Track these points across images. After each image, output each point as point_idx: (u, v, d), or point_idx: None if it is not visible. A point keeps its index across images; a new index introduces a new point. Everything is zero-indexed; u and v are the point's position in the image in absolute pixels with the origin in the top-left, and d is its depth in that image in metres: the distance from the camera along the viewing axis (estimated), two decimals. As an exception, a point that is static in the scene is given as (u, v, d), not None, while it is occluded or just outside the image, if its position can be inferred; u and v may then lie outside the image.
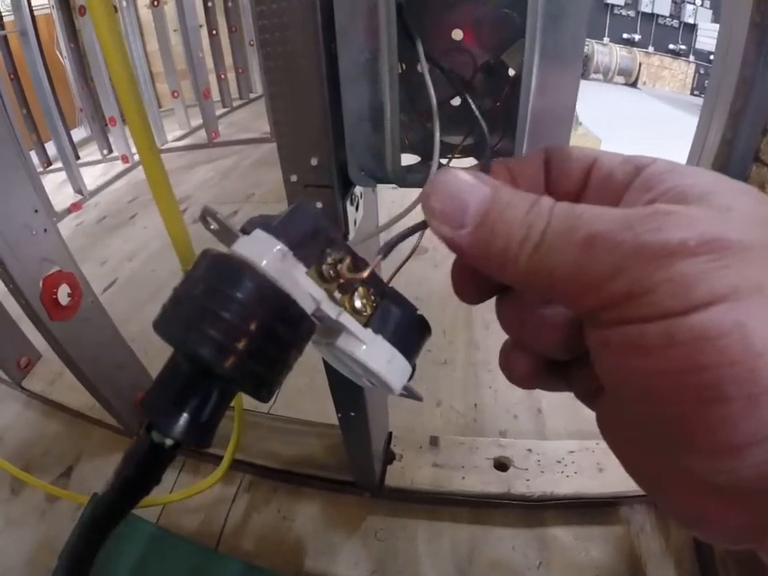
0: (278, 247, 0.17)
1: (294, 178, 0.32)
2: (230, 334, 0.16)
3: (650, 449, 0.16)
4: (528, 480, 0.73)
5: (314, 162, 0.31)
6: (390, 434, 0.81)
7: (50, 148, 2.22)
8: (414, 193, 0.26)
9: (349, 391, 0.53)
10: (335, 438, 0.80)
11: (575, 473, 0.74)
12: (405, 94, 0.28)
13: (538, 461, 0.76)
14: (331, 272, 0.18)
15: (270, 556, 0.73)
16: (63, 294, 0.68)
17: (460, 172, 0.17)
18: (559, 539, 0.73)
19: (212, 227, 0.18)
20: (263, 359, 0.17)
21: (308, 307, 0.18)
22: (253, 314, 0.16)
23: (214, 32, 2.79)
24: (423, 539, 0.74)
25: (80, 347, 0.73)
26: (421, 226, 0.19)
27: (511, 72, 0.27)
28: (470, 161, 0.31)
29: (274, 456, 0.81)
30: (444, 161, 0.30)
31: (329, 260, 0.18)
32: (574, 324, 0.18)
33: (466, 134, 0.30)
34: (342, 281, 0.18)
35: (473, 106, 0.25)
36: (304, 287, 0.17)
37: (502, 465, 0.76)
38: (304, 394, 0.95)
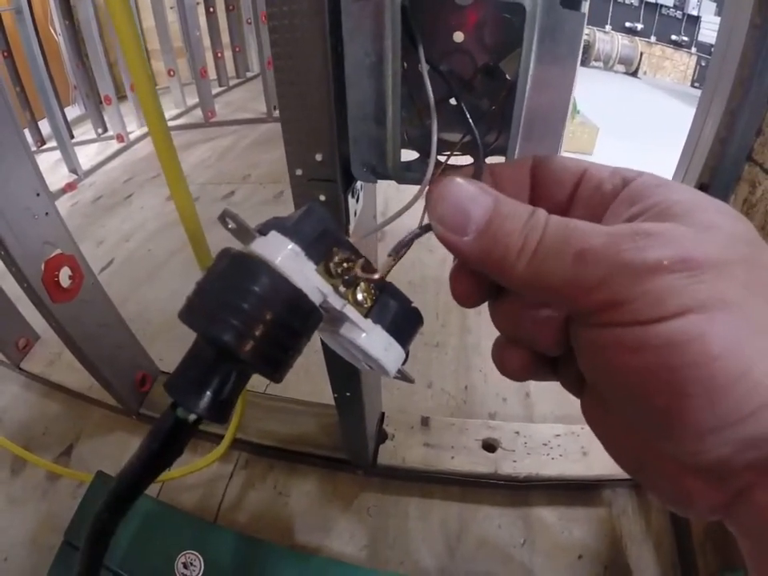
0: (291, 246, 0.19)
1: (299, 172, 0.34)
2: (248, 323, 0.18)
3: (630, 434, 0.18)
4: (515, 461, 0.76)
5: (318, 157, 0.32)
6: (383, 414, 0.83)
7: (44, 126, 2.18)
8: (411, 189, 0.27)
9: (345, 373, 0.55)
10: (330, 417, 0.82)
11: (560, 456, 0.76)
12: (406, 90, 0.29)
13: (525, 443, 0.78)
14: (338, 269, 0.20)
15: (265, 530, 0.76)
16: (64, 276, 0.68)
17: (463, 181, 0.19)
18: (543, 519, 0.76)
19: (230, 227, 0.19)
20: (277, 345, 0.19)
21: (316, 300, 0.20)
22: (268, 306, 0.18)
23: (212, 10, 2.74)
24: (414, 516, 0.77)
25: (80, 328, 0.74)
26: (426, 229, 0.21)
27: (509, 76, 0.29)
28: (468, 158, 0.32)
29: (270, 434, 0.83)
30: (442, 158, 0.32)
31: (336, 258, 0.20)
32: (563, 324, 0.20)
33: (464, 132, 0.32)
34: (346, 276, 0.20)
35: (466, 113, 0.26)
36: (313, 282, 0.20)
37: (490, 446, 0.78)
38: (301, 375, 0.96)
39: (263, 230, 0.20)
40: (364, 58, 0.27)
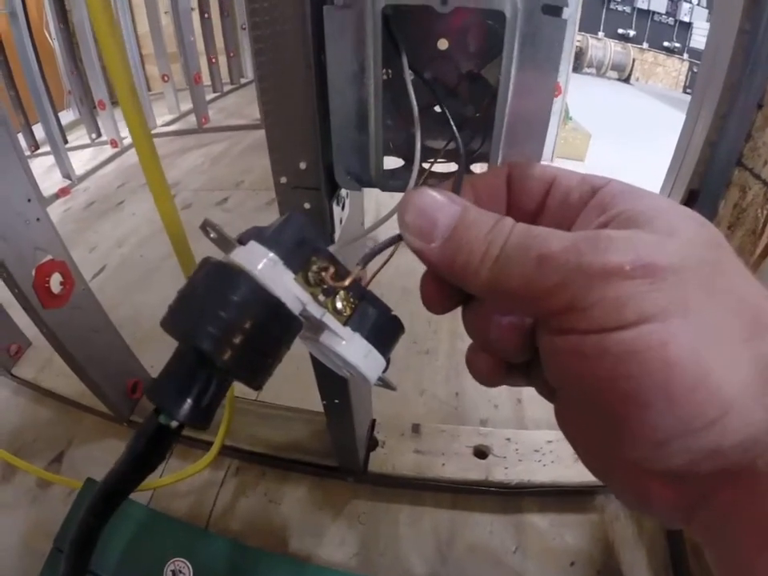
0: (270, 256, 0.19)
1: (283, 180, 0.34)
2: (227, 331, 0.18)
3: (597, 439, 0.18)
4: (506, 468, 0.76)
5: (302, 165, 0.33)
6: (374, 421, 0.83)
7: (37, 131, 2.18)
8: (397, 197, 0.28)
9: (333, 380, 0.55)
10: (321, 424, 0.82)
11: (552, 462, 0.76)
12: (390, 98, 0.30)
13: (517, 449, 0.78)
14: (316, 278, 0.20)
15: (257, 537, 0.75)
16: (55, 282, 0.68)
17: (433, 191, 0.20)
18: (535, 525, 0.76)
19: (212, 236, 0.20)
20: (256, 353, 0.19)
21: (295, 308, 0.20)
22: (247, 314, 0.19)
23: (206, 15, 2.75)
24: (405, 523, 0.77)
25: (71, 335, 0.73)
26: (397, 239, 0.21)
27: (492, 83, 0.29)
28: (452, 165, 0.32)
29: (261, 441, 0.83)
30: (426, 165, 0.32)
31: (314, 267, 0.21)
32: (528, 330, 0.20)
33: (448, 140, 0.32)
34: (325, 286, 0.20)
35: (450, 120, 0.27)
36: (292, 291, 0.20)
37: (481, 452, 0.78)
38: (291, 381, 0.96)
39: (243, 240, 0.20)
40: (346, 66, 0.27)
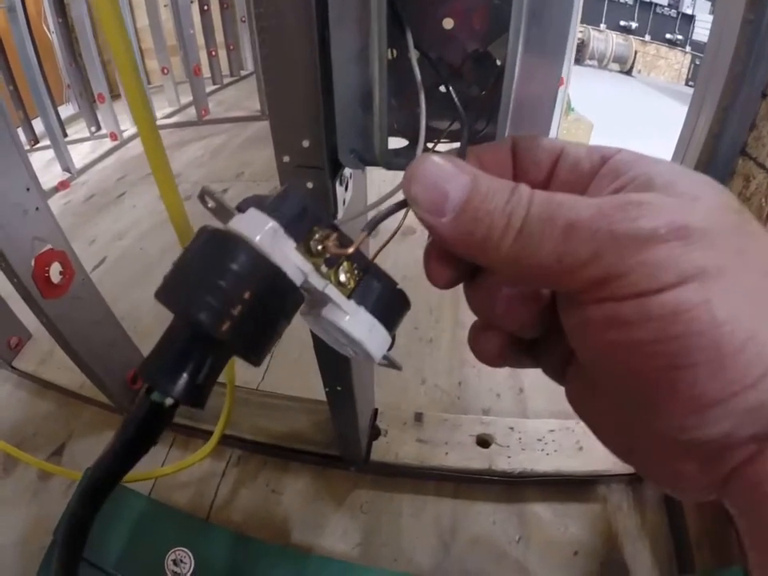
0: (270, 224, 0.19)
1: (286, 159, 0.33)
2: (225, 301, 0.17)
3: (620, 417, 0.18)
4: (509, 457, 0.76)
5: (305, 143, 0.32)
6: (376, 410, 0.83)
7: (37, 125, 2.17)
8: (401, 175, 0.27)
9: (336, 366, 0.54)
10: (323, 413, 0.82)
11: (555, 451, 0.76)
12: (395, 78, 0.29)
13: (520, 438, 0.78)
14: (319, 247, 0.20)
15: (259, 528, 0.75)
16: (55, 272, 0.68)
17: (439, 159, 0.18)
18: (538, 515, 0.76)
19: (210, 205, 0.19)
20: (255, 325, 0.19)
21: (296, 279, 0.19)
22: (246, 284, 0.18)
23: (206, 8, 2.74)
24: (407, 512, 0.77)
25: (72, 325, 0.73)
26: (404, 204, 0.20)
27: (499, 62, 0.28)
28: (457, 145, 0.32)
29: (262, 431, 0.83)
30: (430, 144, 0.31)
31: (316, 236, 0.20)
32: (542, 303, 0.19)
33: (452, 120, 0.32)
34: (328, 255, 0.20)
35: (455, 98, 0.26)
36: (293, 261, 0.19)
37: (484, 442, 0.78)
38: (292, 370, 0.96)
39: (242, 208, 0.19)
40: (350, 46, 0.27)
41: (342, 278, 0.20)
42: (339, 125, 0.30)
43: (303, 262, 0.19)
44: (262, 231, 0.18)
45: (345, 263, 0.20)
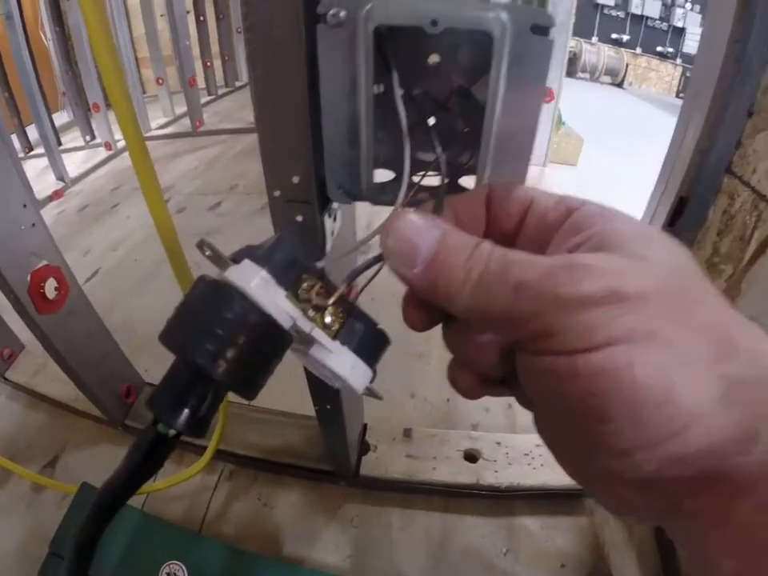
0: (262, 275, 0.21)
1: (277, 193, 0.35)
2: (222, 347, 0.20)
3: (573, 448, 0.19)
4: (496, 471, 0.77)
5: (295, 180, 0.34)
6: (365, 425, 0.83)
7: (31, 132, 2.17)
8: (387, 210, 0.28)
9: (325, 387, 0.55)
10: (314, 429, 0.83)
11: (542, 465, 0.78)
12: (382, 111, 0.30)
13: (507, 453, 0.79)
14: (306, 295, 0.22)
15: (251, 541, 0.76)
16: (50, 288, 0.68)
17: (413, 216, 0.20)
18: (526, 528, 0.77)
19: (207, 254, 0.21)
20: (249, 366, 0.21)
21: (286, 324, 0.21)
22: (240, 330, 0.20)
23: (202, 18, 2.76)
24: (397, 526, 0.78)
25: (66, 340, 0.74)
26: (380, 258, 0.22)
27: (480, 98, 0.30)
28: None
29: (254, 446, 0.84)
30: (417, 177, 0.33)
31: (304, 285, 0.22)
32: (507, 348, 0.21)
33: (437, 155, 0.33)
34: (314, 302, 0.22)
35: (434, 141, 0.28)
36: (283, 307, 0.21)
37: (471, 456, 0.79)
38: (284, 386, 0.96)
39: (237, 258, 0.21)
40: (338, 83, 0.28)
41: (328, 320, 0.22)
42: (327, 161, 0.31)
43: (292, 308, 0.21)
44: (254, 281, 0.20)
45: (330, 307, 0.22)
